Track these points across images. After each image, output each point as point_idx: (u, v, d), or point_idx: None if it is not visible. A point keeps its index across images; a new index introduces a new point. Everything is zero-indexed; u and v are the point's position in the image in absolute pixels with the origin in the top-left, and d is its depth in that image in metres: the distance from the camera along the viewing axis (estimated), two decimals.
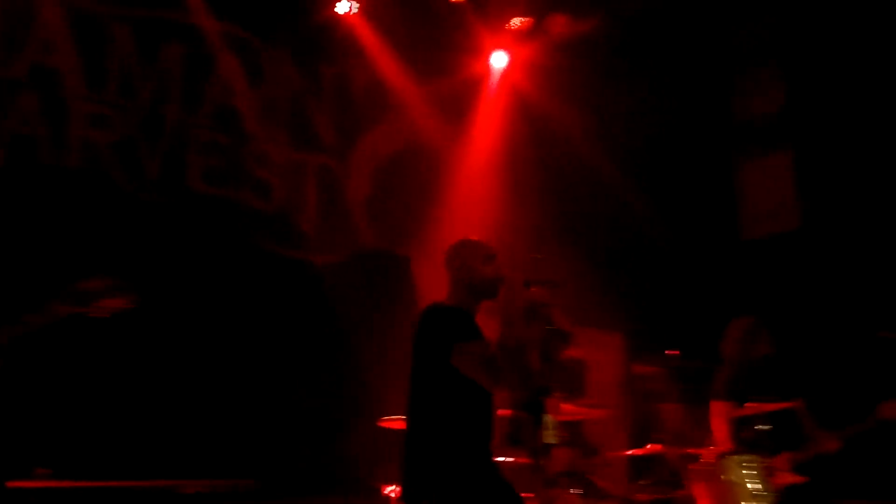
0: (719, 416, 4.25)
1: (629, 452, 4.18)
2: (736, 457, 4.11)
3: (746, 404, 4.54)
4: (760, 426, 4.37)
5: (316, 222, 5.65)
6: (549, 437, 2.95)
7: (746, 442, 4.37)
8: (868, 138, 6.08)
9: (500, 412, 3.33)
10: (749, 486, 4.03)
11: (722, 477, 4.10)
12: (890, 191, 6.02)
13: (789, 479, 4.14)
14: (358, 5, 5.62)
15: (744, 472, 4.07)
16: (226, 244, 5.10)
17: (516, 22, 6.05)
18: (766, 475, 4.01)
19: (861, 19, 6.01)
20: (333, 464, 4.90)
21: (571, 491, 4.09)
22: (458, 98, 6.13)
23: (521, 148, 6.22)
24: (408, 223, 5.86)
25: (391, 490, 4.13)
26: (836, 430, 4.26)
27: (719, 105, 6.92)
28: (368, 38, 5.72)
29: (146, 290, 2.79)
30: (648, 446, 4.21)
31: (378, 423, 4.22)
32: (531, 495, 3.02)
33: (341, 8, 5.60)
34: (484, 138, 6.16)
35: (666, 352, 5.51)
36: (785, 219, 6.41)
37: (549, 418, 2.97)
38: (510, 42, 6.20)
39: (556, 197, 6.12)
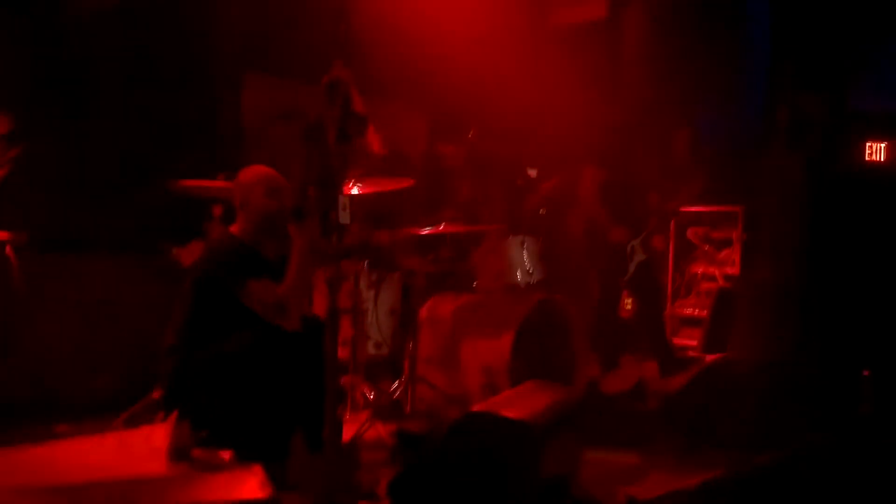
0: (586, 182, 4.55)
1: (421, 230, 4.36)
2: (516, 236, 4.45)
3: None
4: (540, 209, 4.74)
5: None
6: (344, 216, 2.97)
7: (524, 224, 4.74)
8: None
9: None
10: (525, 262, 4.41)
11: (502, 253, 4.45)
12: None
13: (640, 256, 4.56)
14: None
15: (522, 249, 4.43)
16: None
17: None
18: (539, 254, 4.39)
19: None
20: (123, 224, 4.70)
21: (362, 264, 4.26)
22: None
23: None
24: None
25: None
26: None
27: None
28: None
29: None
30: (441, 225, 4.41)
31: (169, 186, 4.07)
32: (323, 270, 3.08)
33: None
34: None
35: (470, 133, 5.63)
36: (593, 6, 6.50)
37: (342, 198, 2.98)
38: None
39: None
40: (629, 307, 5.03)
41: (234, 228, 3.27)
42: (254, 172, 3.28)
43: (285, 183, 3.29)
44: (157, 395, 3.93)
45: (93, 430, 3.85)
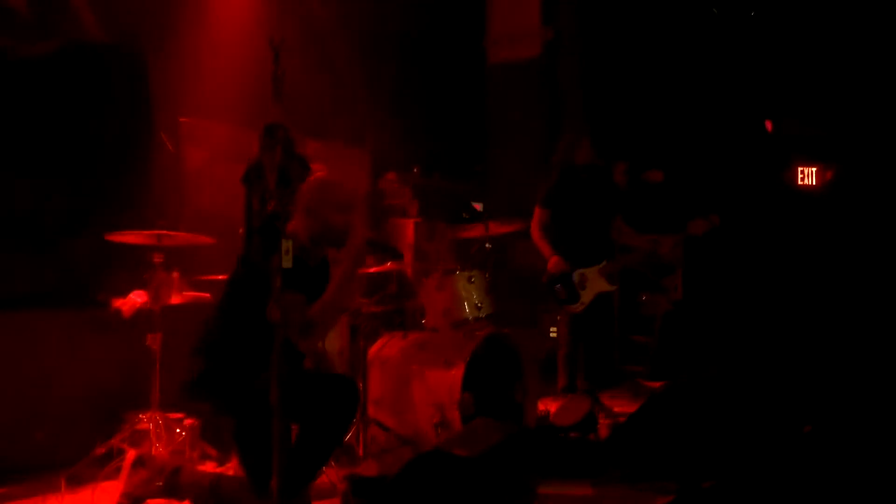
0: (535, 221, 4.64)
1: (368, 270, 4.34)
2: (463, 272, 4.45)
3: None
4: (486, 244, 4.78)
5: (27, 1, 4.80)
6: (287, 260, 2.94)
7: (473, 258, 4.76)
8: None
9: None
10: (473, 298, 4.42)
11: (449, 289, 4.44)
12: (632, 25, 6.46)
13: (601, 287, 4.64)
14: None
15: (469, 285, 4.44)
16: None
17: None
18: (486, 289, 4.40)
19: None
20: (58, 277, 4.57)
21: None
22: None
23: None
24: (143, 15, 5.20)
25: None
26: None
27: None
28: None
29: None
30: (388, 264, 4.39)
31: (105, 237, 3.99)
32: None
33: None
34: None
35: (415, 169, 5.68)
36: (528, 44, 6.65)
37: (286, 242, 2.95)
38: None
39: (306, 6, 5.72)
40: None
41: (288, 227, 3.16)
42: (330, 184, 3.22)
43: (357, 202, 3.24)
44: (100, 451, 3.82)
45: (32, 490, 3.71)
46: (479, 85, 6.91)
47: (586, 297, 4.65)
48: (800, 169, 6.54)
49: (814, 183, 6.54)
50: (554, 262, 4.67)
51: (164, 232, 3.97)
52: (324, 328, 3.05)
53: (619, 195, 5.04)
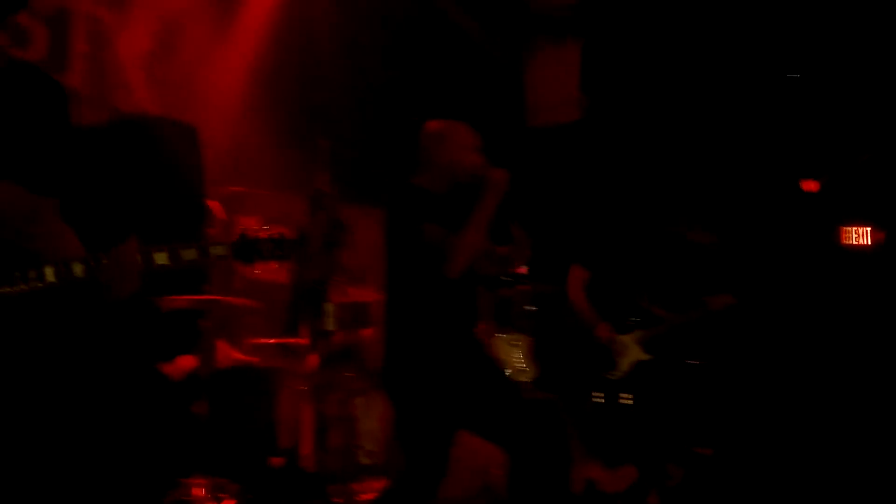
0: (574, 281, 4.63)
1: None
2: (504, 335, 4.45)
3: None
4: (528, 307, 4.77)
5: (84, 77, 5.07)
6: (329, 323, 2.99)
7: (515, 321, 4.76)
8: (654, 41, 6.48)
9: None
10: (514, 361, 4.40)
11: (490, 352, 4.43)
12: (667, 93, 6.52)
13: (638, 355, 4.57)
14: None
15: (510, 348, 4.43)
16: None
17: None
18: (529, 352, 4.38)
19: None
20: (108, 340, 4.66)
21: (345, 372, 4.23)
22: None
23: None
24: (192, 88, 5.44)
25: None
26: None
27: None
28: None
29: None
30: None
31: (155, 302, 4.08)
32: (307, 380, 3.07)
33: None
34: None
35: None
36: (568, 110, 6.75)
37: (329, 305, 3.01)
38: None
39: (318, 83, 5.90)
40: (627, 401, 4.96)
41: (416, 181, 3.18)
42: (451, 126, 3.24)
43: (476, 139, 3.23)
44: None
45: None
46: (518, 147, 6.99)
47: (624, 365, 4.57)
48: (852, 229, 6.39)
49: (868, 243, 6.38)
50: (604, 328, 4.56)
51: (213, 297, 4.05)
52: (465, 257, 3.01)
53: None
